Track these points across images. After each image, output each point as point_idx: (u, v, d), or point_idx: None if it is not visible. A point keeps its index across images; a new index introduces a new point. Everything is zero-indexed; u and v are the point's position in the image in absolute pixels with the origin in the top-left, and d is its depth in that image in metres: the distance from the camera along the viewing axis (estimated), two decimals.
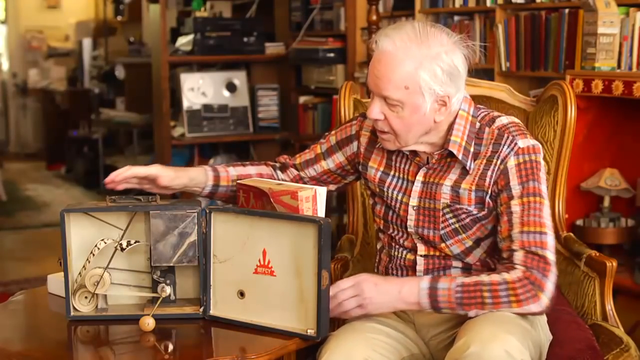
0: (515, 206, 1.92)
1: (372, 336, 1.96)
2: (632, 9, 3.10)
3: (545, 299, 1.87)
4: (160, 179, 2.07)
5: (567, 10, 3.38)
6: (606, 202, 3.24)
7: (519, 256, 1.89)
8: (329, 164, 2.21)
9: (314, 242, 1.84)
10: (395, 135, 1.97)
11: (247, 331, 1.89)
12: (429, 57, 1.89)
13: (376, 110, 1.95)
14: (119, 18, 9.22)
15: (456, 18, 4.07)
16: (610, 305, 2.25)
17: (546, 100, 2.45)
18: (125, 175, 2.05)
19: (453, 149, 1.96)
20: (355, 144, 2.16)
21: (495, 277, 1.88)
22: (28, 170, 8.89)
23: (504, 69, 3.71)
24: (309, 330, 1.87)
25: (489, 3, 3.79)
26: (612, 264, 2.24)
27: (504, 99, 2.52)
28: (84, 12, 10.25)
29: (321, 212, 1.92)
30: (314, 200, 1.91)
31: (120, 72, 7.64)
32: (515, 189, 1.93)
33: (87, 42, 9.02)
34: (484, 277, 1.89)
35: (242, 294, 1.94)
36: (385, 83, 1.90)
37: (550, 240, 1.91)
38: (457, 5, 4.00)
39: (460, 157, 1.96)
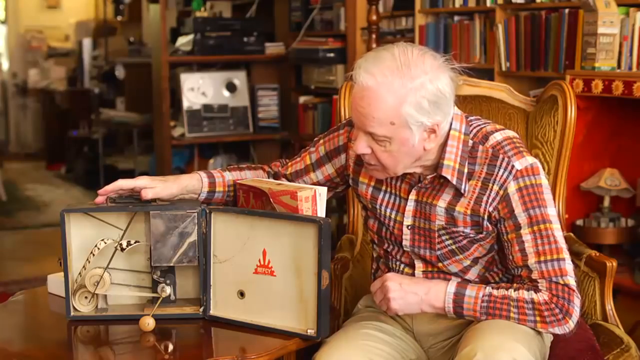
0: (526, 235, 1.87)
1: (367, 343, 1.94)
2: (632, 9, 3.10)
3: (571, 324, 1.86)
4: (144, 192, 1.97)
5: (567, 10, 3.38)
6: (606, 202, 3.24)
7: (542, 284, 1.86)
8: (317, 176, 2.15)
9: (314, 242, 1.84)
10: (383, 167, 1.89)
11: (247, 331, 1.89)
12: (412, 89, 1.79)
13: (362, 145, 1.86)
14: (119, 18, 9.22)
15: (456, 18, 4.07)
16: (610, 305, 2.25)
17: (546, 100, 2.45)
18: (110, 189, 1.99)
19: (447, 174, 1.89)
20: (343, 156, 2.10)
21: (522, 294, 1.86)
22: (28, 170, 8.88)
23: (504, 69, 3.71)
24: (309, 330, 1.87)
25: (489, 3, 3.79)
26: (612, 264, 2.24)
27: (504, 99, 2.52)
28: (84, 12, 10.26)
29: (321, 212, 1.92)
30: (314, 200, 1.91)
31: (120, 72, 7.64)
32: (521, 217, 1.87)
33: (87, 42, 9.02)
34: (512, 293, 1.87)
35: (242, 294, 1.94)
36: (370, 120, 1.82)
37: (568, 265, 1.88)
38: (457, 5, 4.00)
39: (454, 181, 1.90)
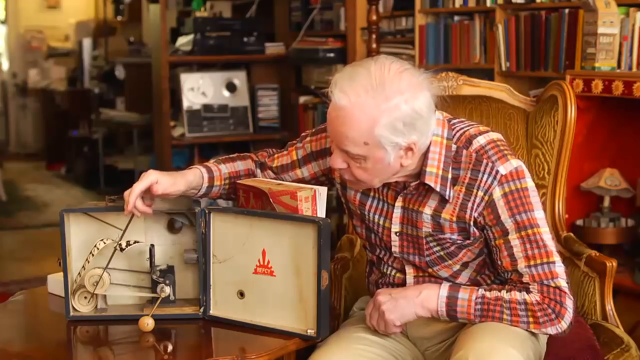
0: (515, 240, 1.86)
1: (360, 347, 1.93)
2: (632, 9, 3.10)
3: (564, 325, 1.85)
4: (154, 188, 1.91)
5: (567, 10, 3.38)
6: (606, 202, 3.24)
7: (533, 287, 1.86)
8: (303, 172, 2.12)
9: (314, 242, 1.84)
10: (359, 182, 1.89)
11: (247, 331, 1.90)
12: (386, 111, 1.75)
13: (338, 161, 1.85)
14: (119, 18, 9.22)
15: (456, 18, 4.08)
16: (610, 306, 2.25)
17: (546, 100, 2.45)
18: (133, 199, 1.89)
19: (430, 181, 1.87)
20: (329, 159, 2.04)
21: (515, 296, 1.85)
22: (28, 170, 8.88)
23: (504, 69, 3.71)
24: (308, 330, 1.87)
25: (489, 3, 3.79)
26: (612, 264, 2.24)
27: (504, 99, 2.52)
28: (84, 12, 10.25)
29: (321, 212, 1.92)
30: (314, 200, 1.91)
31: (120, 72, 7.64)
32: (508, 223, 1.85)
33: (87, 42, 9.01)
34: (504, 294, 1.86)
35: (242, 294, 1.94)
36: (344, 140, 1.80)
37: (559, 268, 1.86)
38: (457, 5, 4.00)
39: (438, 188, 1.87)
